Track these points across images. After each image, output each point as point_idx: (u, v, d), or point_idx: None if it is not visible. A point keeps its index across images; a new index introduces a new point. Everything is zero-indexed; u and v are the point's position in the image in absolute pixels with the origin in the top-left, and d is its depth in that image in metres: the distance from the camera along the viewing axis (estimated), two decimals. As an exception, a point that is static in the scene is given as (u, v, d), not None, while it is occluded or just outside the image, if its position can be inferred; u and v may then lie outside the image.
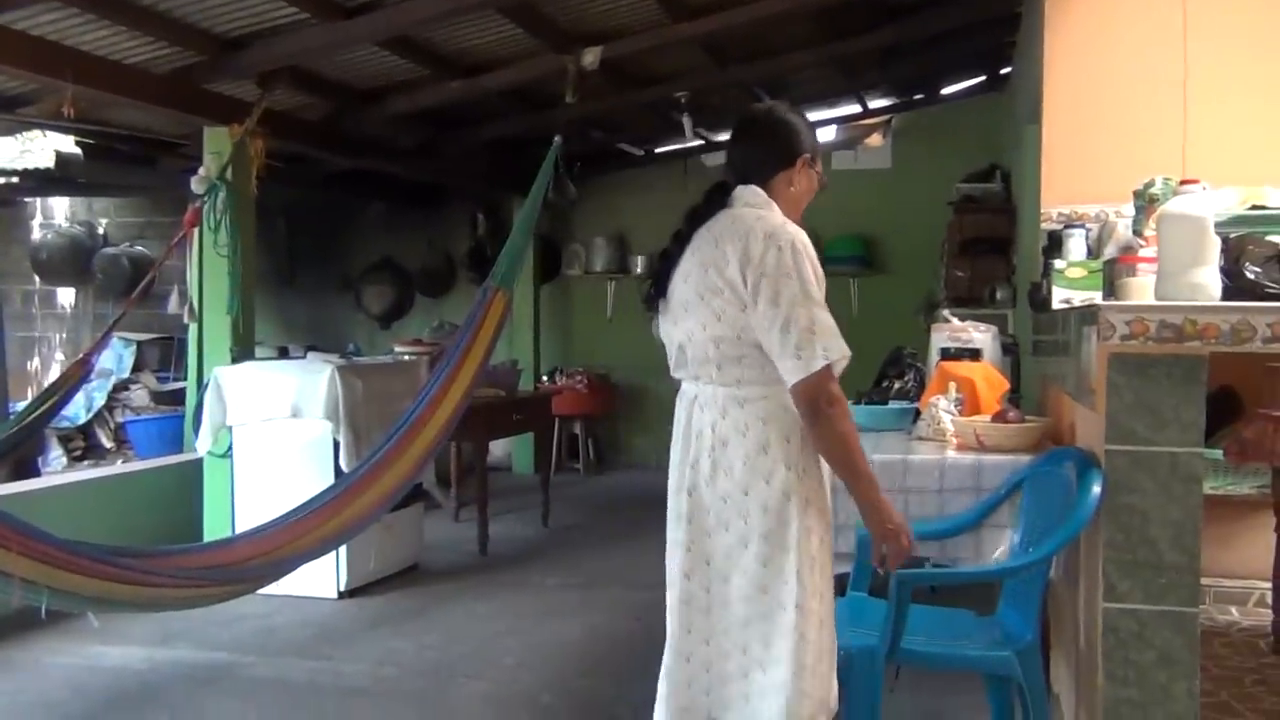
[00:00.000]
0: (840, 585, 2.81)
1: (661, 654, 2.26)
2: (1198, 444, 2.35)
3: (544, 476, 6.35)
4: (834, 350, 2.08)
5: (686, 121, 6.87)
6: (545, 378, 8.17)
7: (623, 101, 6.65)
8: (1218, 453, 3.38)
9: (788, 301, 2.09)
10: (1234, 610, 3.70)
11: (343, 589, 4.63)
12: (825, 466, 2.20)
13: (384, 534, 4.73)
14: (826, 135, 8.02)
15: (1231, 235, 2.83)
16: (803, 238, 2.17)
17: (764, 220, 2.18)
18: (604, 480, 8.02)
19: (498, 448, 8.02)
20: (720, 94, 6.96)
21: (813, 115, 8.03)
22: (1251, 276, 2.66)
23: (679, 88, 6.52)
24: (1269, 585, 3.39)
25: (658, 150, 8.33)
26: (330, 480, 4.23)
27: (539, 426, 6.47)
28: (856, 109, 7.92)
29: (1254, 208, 3.74)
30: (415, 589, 4.84)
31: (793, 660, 2.09)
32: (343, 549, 4.38)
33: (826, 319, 2.11)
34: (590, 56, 5.28)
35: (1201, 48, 4.28)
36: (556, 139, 4.70)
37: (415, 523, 5.16)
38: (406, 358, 5.68)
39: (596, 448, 8.49)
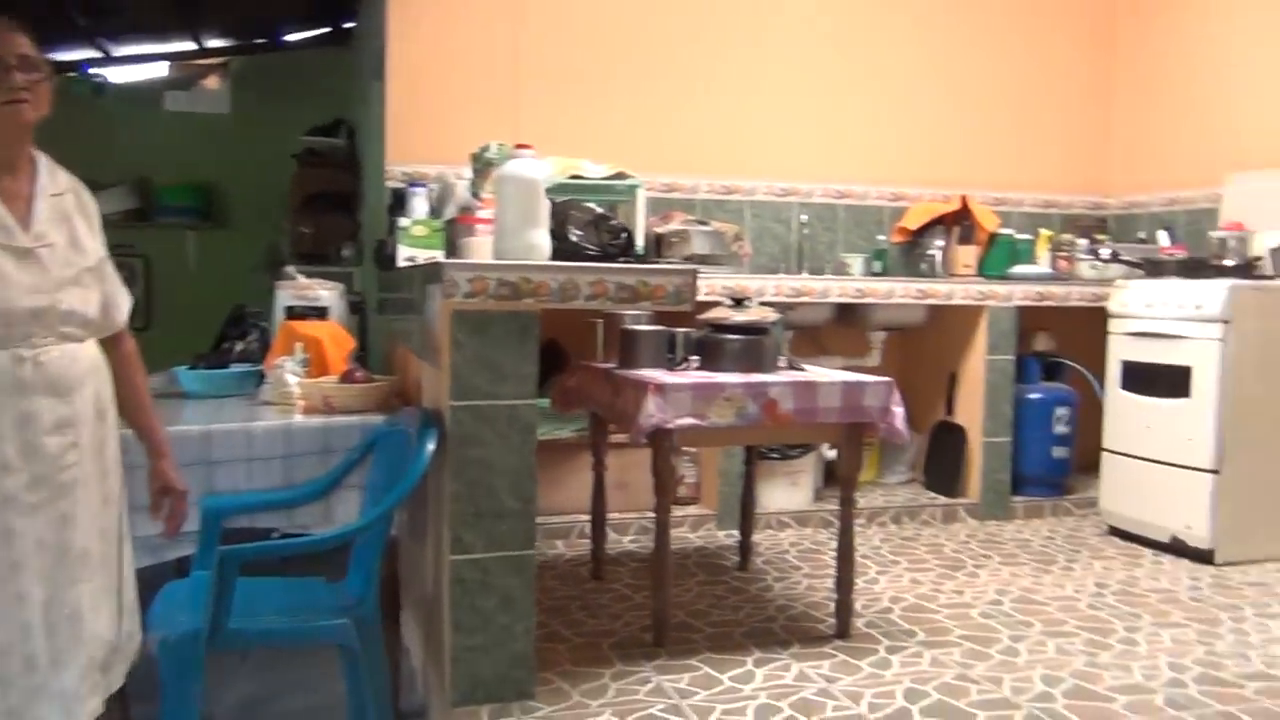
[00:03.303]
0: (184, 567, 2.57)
1: None
2: (533, 396, 2.50)
3: None
4: None
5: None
6: None
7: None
8: (545, 402, 3.68)
9: None
10: (560, 544, 4.08)
11: None
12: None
13: None
14: (158, 71, 7.29)
15: (557, 201, 3.05)
16: None
17: None
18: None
19: None
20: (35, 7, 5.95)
21: (141, 48, 7.26)
22: (575, 239, 2.90)
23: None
24: (589, 518, 3.78)
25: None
26: None
27: None
28: (191, 46, 7.30)
29: (573, 177, 4.10)
30: None
31: None
32: None
33: None
34: None
35: (532, 30, 4.61)
36: None
37: None
38: None
39: None
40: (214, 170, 7.40)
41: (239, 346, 3.65)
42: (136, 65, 7.45)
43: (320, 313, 3.64)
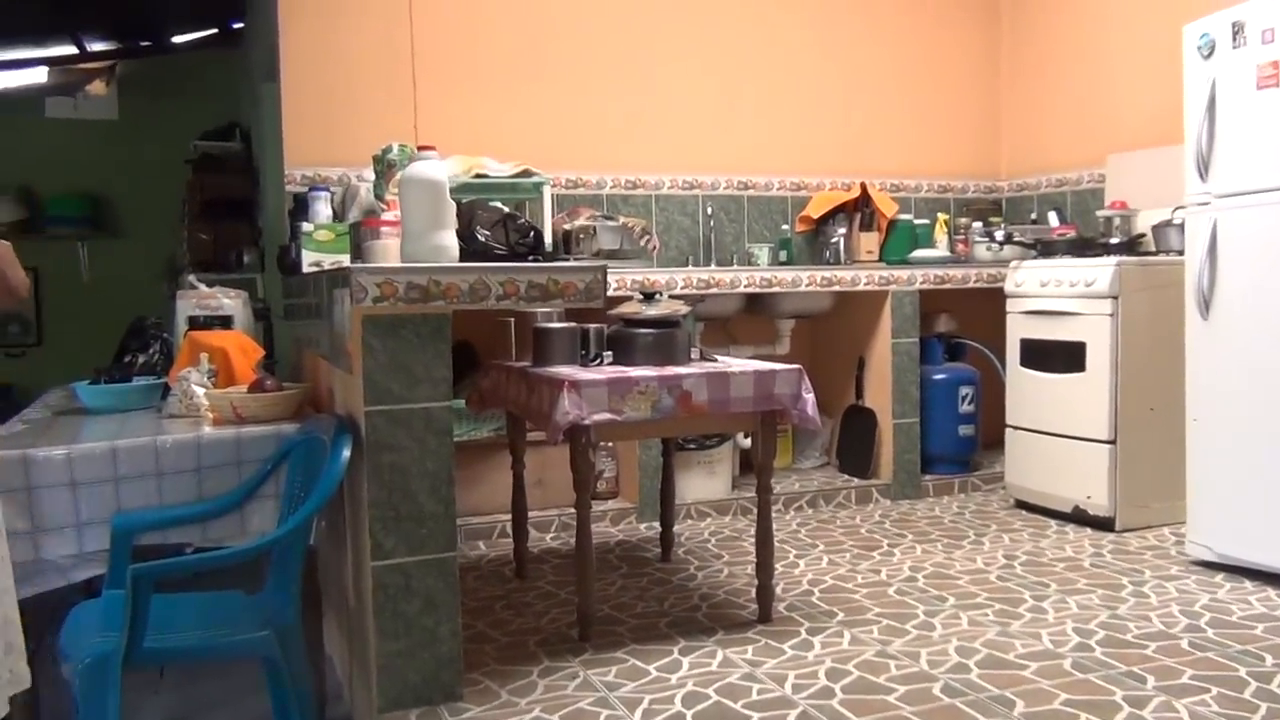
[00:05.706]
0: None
1: None
2: (448, 398, 2.49)
3: None
4: None
5: None
6: None
7: None
8: (460, 403, 3.66)
9: None
10: (482, 544, 4.06)
11: None
12: None
13: None
14: (36, 77, 7.03)
15: (464, 201, 3.04)
16: None
17: None
18: None
19: None
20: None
21: (18, 54, 6.99)
22: (482, 239, 2.89)
23: None
24: (510, 517, 3.77)
25: None
26: None
27: None
28: (72, 50, 7.04)
29: (477, 176, 4.08)
30: None
31: None
32: None
33: None
34: None
35: (427, 26, 4.56)
36: None
37: None
38: None
39: None
40: (104, 178, 7.18)
41: (141, 359, 3.54)
42: (11, 71, 7.17)
43: (224, 322, 3.55)
